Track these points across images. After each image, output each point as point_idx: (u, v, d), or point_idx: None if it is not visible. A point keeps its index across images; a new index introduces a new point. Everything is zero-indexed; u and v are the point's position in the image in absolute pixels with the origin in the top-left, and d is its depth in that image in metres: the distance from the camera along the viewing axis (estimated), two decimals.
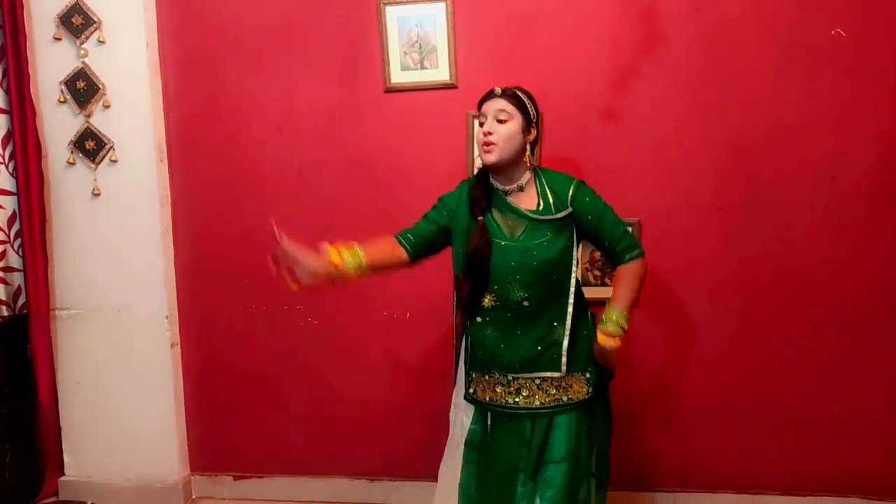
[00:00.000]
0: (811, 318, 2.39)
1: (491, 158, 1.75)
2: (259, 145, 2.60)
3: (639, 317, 2.45)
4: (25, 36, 2.50)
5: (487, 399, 1.85)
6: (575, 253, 1.81)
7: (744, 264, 2.40)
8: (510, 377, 1.82)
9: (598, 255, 2.44)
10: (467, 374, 1.90)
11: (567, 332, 1.78)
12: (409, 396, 2.61)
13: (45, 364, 2.65)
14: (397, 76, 2.45)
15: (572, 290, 1.79)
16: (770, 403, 2.44)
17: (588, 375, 1.82)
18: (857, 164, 2.31)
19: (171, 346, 2.67)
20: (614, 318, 1.76)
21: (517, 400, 1.81)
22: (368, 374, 2.64)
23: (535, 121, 1.81)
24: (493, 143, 1.74)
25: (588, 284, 2.45)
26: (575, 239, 1.81)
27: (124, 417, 2.71)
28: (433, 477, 2.60)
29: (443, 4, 2.36)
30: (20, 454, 2.57)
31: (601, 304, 2.45)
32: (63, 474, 2.78)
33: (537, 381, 1.81)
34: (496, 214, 1.81)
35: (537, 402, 1.80)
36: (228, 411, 2.75)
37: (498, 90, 1.79)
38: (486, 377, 1.85)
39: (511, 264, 1.75)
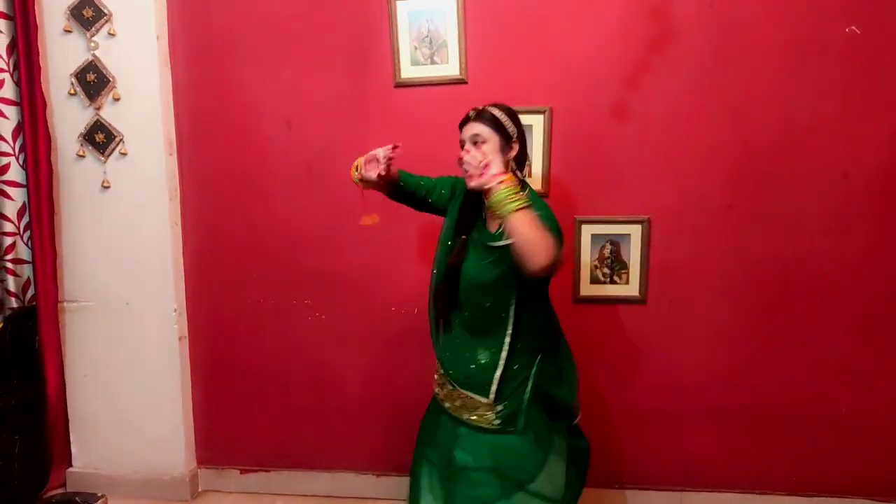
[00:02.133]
0: (821, 317, 2.38)
1: (471, 184, 1.68)
2: (268, 139, 2.60)
3: (648, 313, 2.45)
4: (36, 28, 2.50)
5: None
6: (514, 285, 1.74)
7: (754, 263, 2.39)
8: (441, 367, 1.92)
9: (606, 251, 2.43)
10: None
11: (501, 364, 1.78)
12: (415, 391, 2.59)
13: (53, 356, 2.66)
14: (407, 71, 2.44)
15: (510, 323, 1.77)
16: (779, 402, 2.44)
17: (500, 408, 1.79)
18: (870, 163, 2.29)
19: (180, 339, 2.68)
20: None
21: (440, 392, 1.94)
22: (375, 369, 2.64)
23: (514, 137, 1.77)
24: (467, 171, 1.70)
25: (597, 282, 2.45)
26: (503, 257, 1.68)
27: (132, 410, 2.72)
28: None
29: None
30: (28, 445, 2.58)
31: (610, 302, 2.46)
32: (71, 465, 2.79)
33: (449, 387, 1.88)
34: (478, 232, 1.84)
35: (447, 405, 1.89)
36: (236, 405, 2.76)
37: (472, 113, 1.79)
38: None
39: (464, 281, 1.82)
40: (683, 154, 2.37)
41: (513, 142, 1.77)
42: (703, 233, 2.40)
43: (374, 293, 2.60)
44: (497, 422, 1.80)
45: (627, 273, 2.44)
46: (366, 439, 2.68)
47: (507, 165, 1.76)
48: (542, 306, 1.87)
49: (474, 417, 1.81)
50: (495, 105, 1.80)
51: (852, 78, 2.27)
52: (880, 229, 2.31)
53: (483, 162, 1.62)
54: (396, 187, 1.97)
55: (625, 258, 2.43)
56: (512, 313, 1.77)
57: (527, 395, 1.81)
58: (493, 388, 1.78)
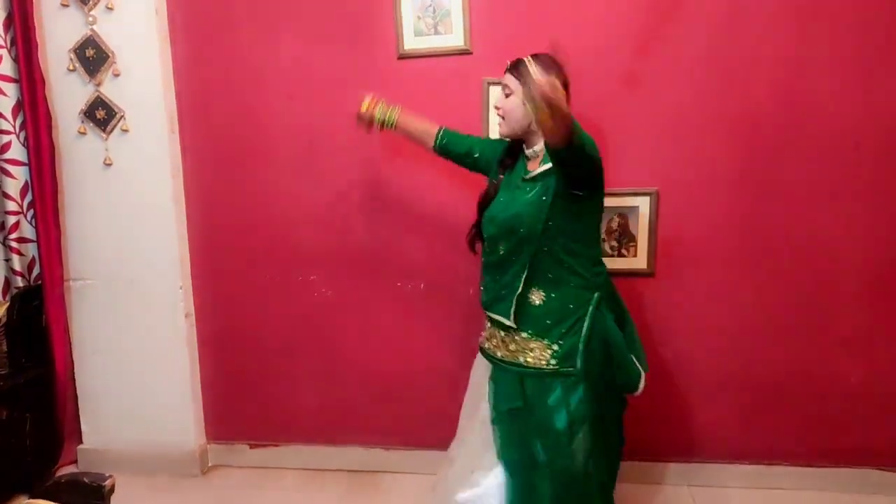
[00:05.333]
0: (831, 290, 2.36)
1: (501, 131, 1.90)
2: (270, 114, 2.56)
3: (656, 286, 2.44)
4: (32, 2, 2.45)
5: (481, 342, 2.01)
6: (546, 210, 1.74)
7: (763, 235, 2.36)
8: (489, 321, 1.95)
9: (614, 224, 2.40)
10: None
11: (521, 282, 1.79)
12: (423, 366, 2.61)
13: (60, 334, 2.66)
14: (410, 42, 2.39)
15: (535, 243, 1.76)
16: (787, 374, 2.43)
17: (556, 347, 1.77)
18: (884, 133, 2.25)
19: (186, 316, 2.68)
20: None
21: (489, 346, 1.94)
22: (382, 345, 2.64)
23: None
24: (501, 118, 1.86)
25: (605, 255, 2.42)
26: (549, 195, 1.73)
27: (140, 387, 2.73)
28: (447, 445, 2.62)
29: None
30: (39, 422, 2.60)
31: (618, 275, 2.44)
32: (81, 442, 2.81)
33: (502, 333, 1.88)
34: (514, 171, 1.92)
35: (499, 354, 1.88)
36: (244, 381, 2.76)
37: (508, 64, 1.84)
38: (487, 321, 1.98)
39: (494, 218, 1.87)
40: (693, 124, 2.33)
41: None
42: (712, 205, 2.37)
43: (379, 269, 2.58)
44: (553, 361, 1.77)
45: (635, 246, 2.41)
46: (374, 413, 2.69)
47: (530, 117, 1.78)
48: (587, 240, 1.83)
49: (530, 359, 1.79)
50: (536, 56, 1.76)
51: (866, 45, 2.21)
52: (893, 201, 2.28)
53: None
54: (439, 144, 2.10)
55: (633, 231, 2.41)
56: (538, 232, 1.75)
57: (584, 332, 1.77)
58: (512, 308, 1.80)
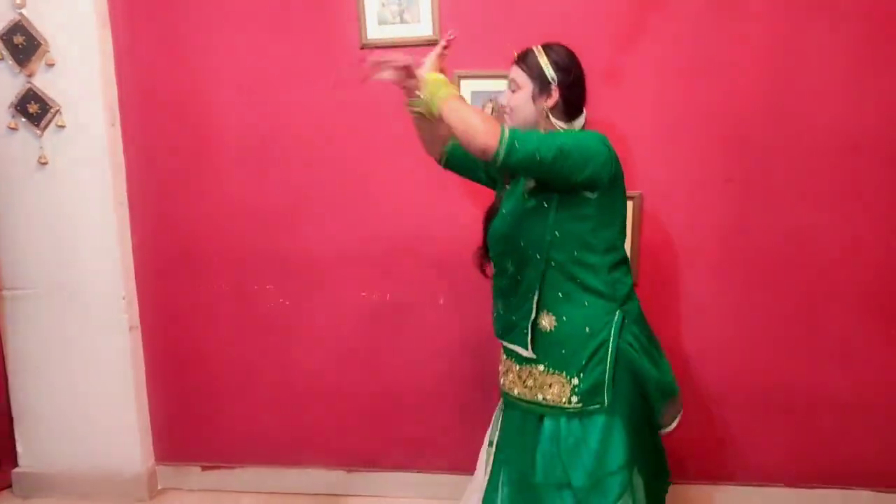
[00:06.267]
0: (824, 299, 2.21)
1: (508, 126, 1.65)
2: (223, 108, 2.35)
3: (639, 296, 2.26)
4: None
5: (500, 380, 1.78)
6: (550, 219, 1.55)
7: (753, 241, 2.21)
8: (504, 352, 1.74)
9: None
10: None
11: (534, 304, 1.58)
12: (390, 383, 2.43)
13: None
14: (374, 31, 2.20)
15: (544, 257, 1.57)
16: (776, 389, 2.28)
17: (576, 381, 1.55)
18: (882, 132, 2.10)
19: (130, 329, 2.46)
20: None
21: (505, 381, 1.72)
22: (345, 359, 2.44)
23: (554, 83, 1.58)
24: (506, 115, 1.65)
25: None
26: (553, 203, 1.54)
27: (81, 405, 2.50)
28: (414, 467, 2.45)
29: None
30: None
31: None
32: (16, 465, 2.58)
33: (517, 366, 1.67)
34: (520, 183, 1.68)
35: (516, 391, 1.67)
36: (195, 398, 2.56)
37: (515, 55, 1.65)
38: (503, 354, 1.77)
39: (496, 233, 1.69)
40: (679, 123, 2.17)
41: (552, 89, 1.58)
42: (699, 209, 2.21)
43: (342, 277, 2.39)
44: (575, 399, 1.55)
45: None
46: (337, 433, 2.50)
47: (541, 114, 1.59)
48: (601, 246, 1.58)
49: (549, 397, 1.57)
50: (547, 46, 1.62)
51: (864, 40, 2.06)
52: (891, 205, 2.13)
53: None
54: (449, 153, 1.81)
55: None
56: (545, 245, 1.56)
57: (609, 361, 1.54)
58: (528, 336, 1.59)
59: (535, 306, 1.59)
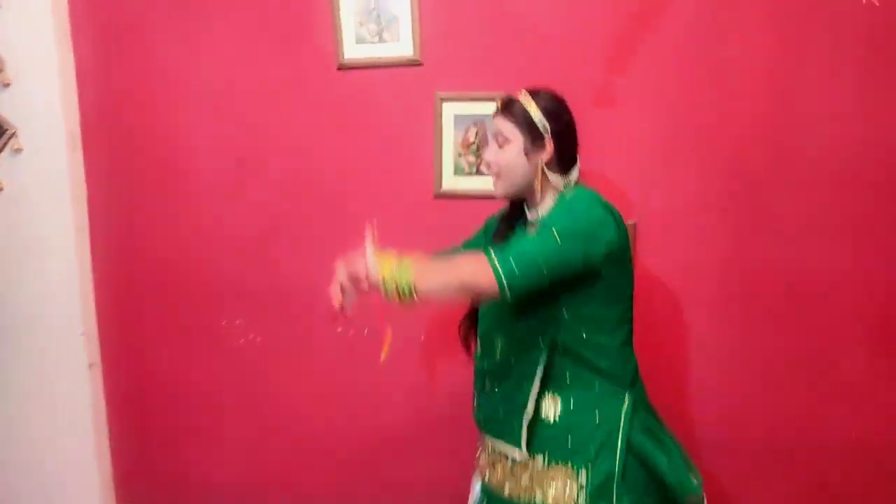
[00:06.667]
0: (829, 335, 2.08)
1: (497, 192, 1.51)
2: (191, 130, 2.22)
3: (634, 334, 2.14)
4: None
5: (480, 467, 1.57)
6: (559, 297, 1.37)
7: (753, 272, 2.08)
8: (487, 442, 1.52)
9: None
10: None
11: (531, 395, 1.38)
12: (366, 425, 2.27)
13: None
14: (351, 51, 2.08)
15: (547, 340, 1.39)
16: (779, 433, 2.14)
17: (583, 478, 1.36)
18: (888, 158, 1.98)
19: (90, 366, 2.29)
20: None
21: (491, 477, 1.49)
22: (319, 400, 2.28)
23: (547, 134, 1.42)
24: (495, 175, 1.48)
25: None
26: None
27: (37, 448, 2.32)
28: None
29: None
30: None
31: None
32: None
33: (509, 462, 1.45)
34: None
35: (506, 491, 1.44)
36: (161, 441, 2.38)
37: (498, 104, 1.48)
38: (482, 436, 1.58)
39: (489, 308, 1.49)
40: (674, 148, 2.05)
41: (545, 140, 1.43)
42: (696, 238, 2.08)
43: (316, 312, 2.23)
44: (583, 499, 1.35)
45: None
46: (311, 476, 2.33)
47: (536, 170, 1.43)
48: (612, 333, 1.44)
49: (552, 495, 1.37)
50: (534, 92, 1.46)
51: (869, 59, 1.95)
52: None
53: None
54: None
55: None
56: (550, 323, 1.39)
57: (619, 451, 1.37)
58: (523, 433, 1.38)
59: (531, 399, 1.39)
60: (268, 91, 2.16)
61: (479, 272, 1.26)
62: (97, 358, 2.32)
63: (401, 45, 2.05)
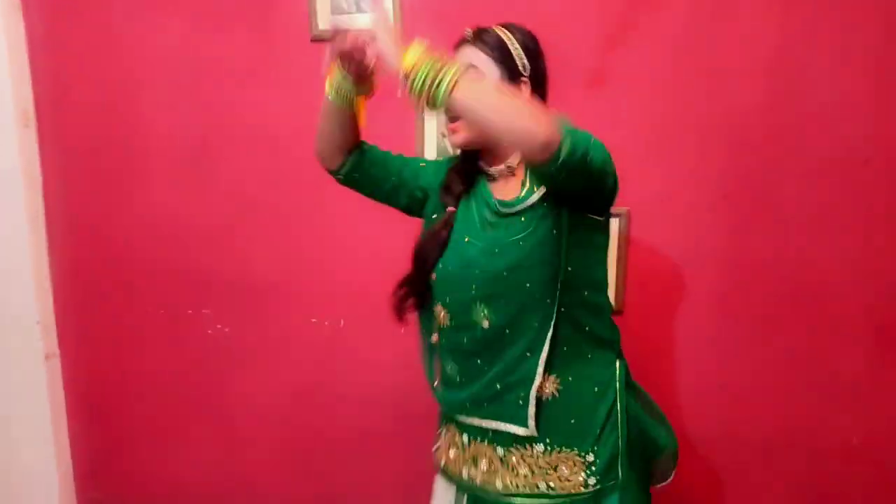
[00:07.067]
0: (832, 331, 1.97)
1: (457, 140, 1.26)
2: (153, 108, 2.07)
3: (626, 327, 2.02)
4: None
5: (444, 465, 1.39)
6: (563, 249, 1.21)
7: (753, 266, 1.96)
8: (464, 434, 1.34)
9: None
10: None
11: (541, 366, 1.21)
12: (342, 422, 2.15)
13: None
14: (326, 21, 1.92)
15: (555, 301, 1.21)
16: (778, 433, 2.04)
17: (591, 457, 1.25)
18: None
19: (47, 357, 2.16)
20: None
21: (472, 474, 1.32)
22: (292, 395, 2.16)
23: (526, 73, 1.25)
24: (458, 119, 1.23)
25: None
26: (564, 228, 1.21)
27: None
28: None
29: None
30: None
31: None
32: None
33: (500, 450, 1.28)
34: (472, 201, 1.32)
35: (499, 484, 1.27)
36: (124, 437, 2.26)
37: (469, 32, 1.27)
38: (445, 430, 1.41)
39: (469, 269, 1.25)
40: (671, 132, 1.92)
41: (521, 81, 1.25)
42: (692, 228, 1.96)
43: (290, 301, 2.11)
44: (593, 481, 1.24)
45: None
46: (283, 476, 2.22)
47: None
48: (606, 294, 1.35)
49: (556, 483, 1.23)
50: (509, 26, 1.28)
51: (880, 43, 1.82)
52: None
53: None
54: (357, 161, 1.39)
55: None
56: (556, 286, 1.22)
57: (621, 425, 1.28)
58: (530, 409, 1.23)
59: (539, 369, 1.22)
60: (235, 66, 2.01)
61: (542, 119, 1.04)
62: (55, 349, 2.20)
63: None
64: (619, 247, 1.96)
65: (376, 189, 1.43)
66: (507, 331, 1.24)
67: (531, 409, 1.23)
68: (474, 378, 1.28)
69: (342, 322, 2.11)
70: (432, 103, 1.05)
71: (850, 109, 1.86)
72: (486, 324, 1.25)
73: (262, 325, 2.13)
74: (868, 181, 1.89)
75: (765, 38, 1.85)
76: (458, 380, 1.32)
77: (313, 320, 2.12)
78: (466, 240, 1.29)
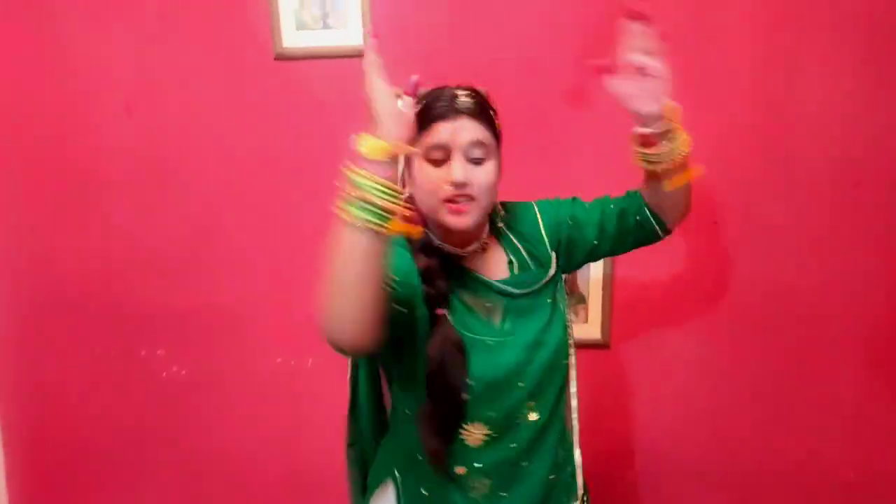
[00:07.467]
0: (826, 359, 1.90)
1: (467, 222, 1.07)
2: (104, 131, 1.92)
3: (612, 362, 1.92)
4: None
5: None
6: (562, 312, 1.24)
7: (743, 291, 1.88)
8: None
9: None
10: None
11: (576, 445, 1.25)
12: (310, 470, 2.00)
13: None
14: (291, 38, 1.81)
15: (573, 364, 1.25)
16: (770, 465, 1.96)
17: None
18: (890, 167, 1.80)
19: None
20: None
21: None
22: (259, 444, 2.01)
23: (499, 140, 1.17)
24: (472, 198, 1.06)
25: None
26: (560, 288, 1.25)
27: None
28: None
29: None
30: None
31: None
32: None
33: None
34: (463, 295, 1.15)
35: None
36: (71, 493, 2.09)
37: (462, 100, 1.08)
38: None
39: (516, 371, 1.11)
40: None
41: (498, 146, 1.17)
42: (682, 254, 1.87)
43: (253, 339, 1.96)
44: None
45: (586, 309, 1.89)
46: None
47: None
48: None
49: None
50: (474, 89, 1.15)
51: (873, 58, 1.77)
52: None
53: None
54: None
55: (582, 289, 1.88)
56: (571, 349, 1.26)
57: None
58: (580, 479, 1.24)
59: (576, 448, 1.26)
60: (192, 84, 1.88)
61: None
62: None
63: (348, 33, 1.79)
64: (605, 273, 1.87)
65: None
66: (544, 420, 1.15)
67: (580, 480, 1.23)
68: (521, 482, 1.14)
69: (310, 362, 1.96)
70: (671, 164, 1.21)
71: (841, 129, 1.80)
72: (533, 416, 1.13)
73: (222, 366, 1.98)
74: (859, 203, 1.82)
75: (753, 57, 1.79)
76: (497, 496, 1.13)
77: (278, 360, 1.97)
78: (490, 341, 1.11)
